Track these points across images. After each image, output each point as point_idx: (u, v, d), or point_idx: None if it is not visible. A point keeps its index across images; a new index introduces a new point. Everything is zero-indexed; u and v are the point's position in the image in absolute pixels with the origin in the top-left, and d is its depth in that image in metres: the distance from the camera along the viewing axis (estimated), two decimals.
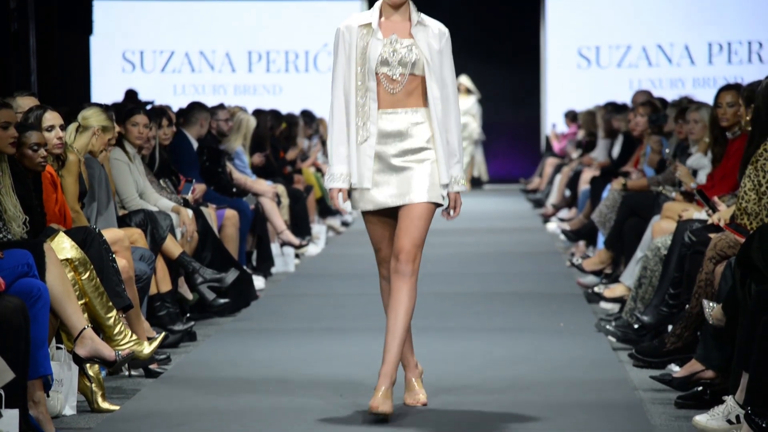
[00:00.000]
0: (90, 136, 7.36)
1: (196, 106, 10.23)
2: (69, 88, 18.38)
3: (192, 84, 20.04)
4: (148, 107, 10.13)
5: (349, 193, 5.58)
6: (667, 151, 9.75)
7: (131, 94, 15.91)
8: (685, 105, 9.63)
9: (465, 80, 19.98)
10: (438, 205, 5.58)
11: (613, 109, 13.45)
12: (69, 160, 6.94)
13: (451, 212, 5.60)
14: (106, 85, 19.23)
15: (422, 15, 5.56)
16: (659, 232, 7.89)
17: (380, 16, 5.54)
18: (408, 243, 5.50)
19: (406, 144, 5.52)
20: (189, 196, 8.83)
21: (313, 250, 11.96)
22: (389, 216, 5.57)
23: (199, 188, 9.20)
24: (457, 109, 5.58)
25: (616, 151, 12.81)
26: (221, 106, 11.03)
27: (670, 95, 14.27)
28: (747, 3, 19.71)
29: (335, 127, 5.54)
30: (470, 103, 19.99)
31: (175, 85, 19.93)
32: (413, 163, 5.52)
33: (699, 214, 7.35)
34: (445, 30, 5.58)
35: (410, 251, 5.50)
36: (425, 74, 5.51)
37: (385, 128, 5.51)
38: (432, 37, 5.53)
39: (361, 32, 5.51)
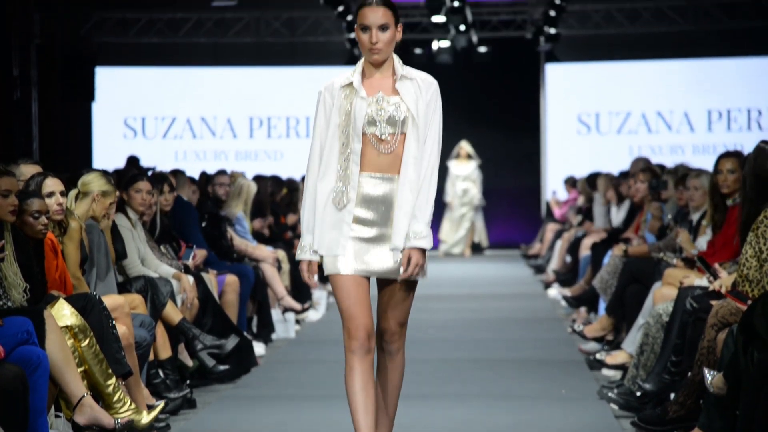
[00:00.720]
0: (90, 201, 7.38)
1: (177, 174, 10.19)
2: (71, 155, 18.46)
3: (193, 150, 20.12)
4: (150, 174, 10.15)
5: (320, 263, 5.21)
6: (668, 217, 9.76)
7: (133, 161, 15.95)
8: (683, 172, 9.65)
9: (466, 146, 20.05)
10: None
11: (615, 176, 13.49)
12: (71, 227, 6.95)
13: (401, 270, 5.08)
14: (108, 151, 19.30)
15: (407, 67, 5.19)
16: (661, 298, 7.87)
17: (362, 75, 5.18)
18: (394, 323, 5.18)
19: (387, 212, 5.14)
20: (190, 263, 8.82)
21: (313, 315, 11.94)
22: (362, 279, 5.16)
23: (200, 254, 9.19)
24: (432, 165, 5.12)
25: (615, 216, 12.82)
26: (222, 172, 11.07)
27: (670, 162, 14.31)
28: (746, 71, 19.85)
29: (308, 194, 5.17)
30: (471, 168, 20.05)
31: (176, 151, 20.01)
32: (389, 231, 5.14)
33: (700, 281, 7.34)
34: (433, 81, 5.18)
35: (396, 331, 5.19)
36: (407, 131, 5.12)
37: (369, 192, 5.13)
38: (419, 90, 5.14)
39: (343, 93, 5.16)
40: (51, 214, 6.65)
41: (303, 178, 15.30)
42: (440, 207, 19.67)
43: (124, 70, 19.97)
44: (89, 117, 19.46)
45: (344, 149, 5.11)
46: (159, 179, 9.09)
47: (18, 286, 6.06)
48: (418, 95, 5.11)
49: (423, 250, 5.12)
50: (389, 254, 5.10)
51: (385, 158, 5.11)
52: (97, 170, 7.58)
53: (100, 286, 7.31)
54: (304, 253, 5.17)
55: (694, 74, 19.95)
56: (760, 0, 18.58)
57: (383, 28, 5.08)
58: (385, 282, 5.16)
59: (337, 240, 5.10)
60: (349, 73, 5.18)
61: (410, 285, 5.16)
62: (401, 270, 5.08)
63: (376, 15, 5.08)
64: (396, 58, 5.18)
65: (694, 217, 8.76)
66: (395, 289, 5.15)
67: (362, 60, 5.19)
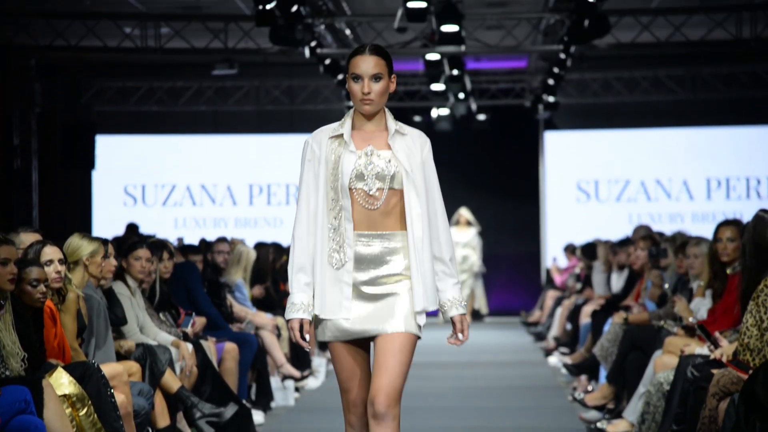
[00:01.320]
0: (83, 268, 7.37)
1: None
2: (71, 223, 18.47)
3: (193, 217, 20.15)
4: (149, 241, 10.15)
5: (313, 323, 4.96)
6: (666, 285, 9.75)
7: (132, 228, 15.98)
8: (682, 240, 9.67)
9: (465, 213, 20.08)
10: (418, 337, 4.93)
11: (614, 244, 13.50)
12: (68, 298, 6.94)
13: (460, 336, 4.91)
14: (108, 218, 19.33)
15: (400, 123, 4.97)
16: (661, 367, 7.84)
17: (352, 127, 4.94)
18: (387, 383, 4.81)
19: (381, 271, 4.89)
20: (189, 330, 8.79)
21: (313, 383, 11.87)
22: (361, 347, 4.93)
23: (199, 321, 9.17)
24: (447, 226, 4.97)
25: (615, 283, 12.81)
26: (222, 239, 11.07)
27: (670, 230, 14.33)
28: (745, 140, 19.95)
29: (296, 252, 4.90)
30: (471, 235, 20.06)
31: (176, 219, 20.04)
32: (386, 291, 4.90)
33: (701, 349, 7.31)
34: (426, 138, 4.99)
35: (390, 393, 4.80)
36: (404, 188, 4.88)
37: (362, 251, 4.88)
38: (412, 147, 4.92)
39: (332, 145, 4.90)
40: (50, 282, 6.65)
41: None
42: None
43: (124, 138, 20.07)
44: (89, 185, 19.52)
45: (334, 205, 4.88)
46: (158, 246, 9.09)
47: (16, 355, 6.04)
48: (412, 151, 4.91)
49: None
50: (388, 313, 4.87)
51: (373, 214, 4.87)
52: (77, 234, 7.54)
53: (99, 353, 7.28)
54: (295, 312, 4.88)
55: (692, 142, 20.05)
56: (757, 71, 18.73)
57: (376, 77, 4.87)
58: (382, 341, 4.87)
59: (339, 302, 4.87)
60: (338, 124, 4.95)
61: (408, 341, 4.87)
62: (459, 336, 4.91)
63: (368, 64, 4.86)
64: (388, 111, 4.97)
65: (694, 285, 8.75)
66: (391, 344, 4.85)
67: (352, 111, 4.97)
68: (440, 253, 4.93)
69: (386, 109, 4.95)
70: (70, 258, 7.33)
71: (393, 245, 4.89)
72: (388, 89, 4.90)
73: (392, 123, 4.93)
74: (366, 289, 4.88)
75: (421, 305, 4.88)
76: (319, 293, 4.88)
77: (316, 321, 4.92)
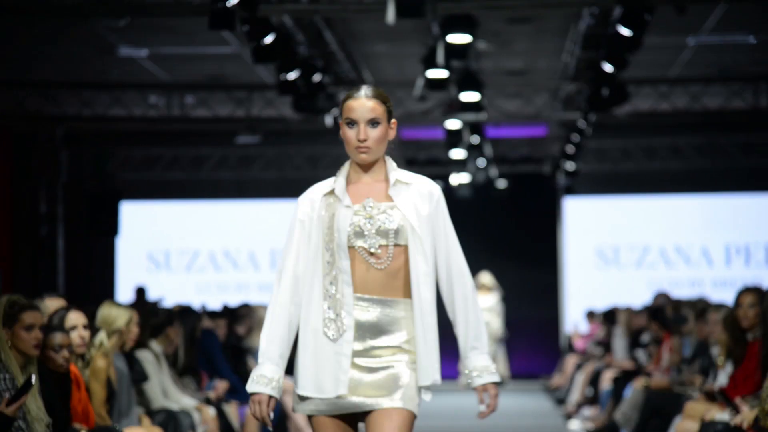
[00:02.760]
0: (119, 337, 7.47)
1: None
2: (95, 288, 18.63)
3: (216, 282, 20.26)
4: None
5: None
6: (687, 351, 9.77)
7: (141, 292, 16.17)
8: (702, 306, 9.71)
9: (486, 277, 20.07)
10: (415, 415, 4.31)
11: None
12: (98, 366, 7.02)
13: (482, 408, 4.37)
14: (132, 284, 19.45)
15: (403, 171, 4.42)
16: None
17: (347, 180, 4.40)
18: None
19: (379, 341, 4.31)
20: (212, 394, 8.86)
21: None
22: (348, 424, 4.33)
23: (221, 386, 9.24)
24: (472, 284, 4.41)
25: (636, 349, 12.81)
26: (244, 306, 11.17)
27: (689, 296, 14.35)
28: (764, 206, 19.99)
29: (275, 320, 4.34)
30: (493, 300, 20.01)
31: (198, 284, 20.15)
32: (383, 364, 4.30)
33: (722, 415, 7.32)
34: (435, 187, 4.41)
35: None
36: (409, 245, 4.31)
37: (358, 318, 4.30)
38: (418, 198, 4.36)
39: (326, 202, 4.36)
40: (74, 347, 6.72)
41: None
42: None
43: (149, 205, 20.26)
44: (113, 251, 19.69)
45: (329, 269, 4.30)
46: (187, 314, 9.20)
47: (41, 420, 6.09)
48: (417, 203, 4.34)
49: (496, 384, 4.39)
50: (384, 387, 4.26)
51: (376, 276, 4.29)
52: (109, 303, 7.66)
53: (123, 419, 7.35)
54: (264, 386, 4.28)
55: (712, 209, 20.10)
56: None
57: (373, 123, 4.33)
58: (377, 418, 4.27)
59: (336, 378, 4.24)
60: (332, 180, 4.41)
61: (406, 418, 4.27)
62: (482, 407, 4.37)
63: (364, 108, 4.33)
64: (389, 160, 4.43)
65: (714, 350, 8.77)
66: (388, 420, 4.25)
67: (347, 163, 4.44)
68: (468, 317, 4.39)
69: (387, 158, 4.43)
70: (107, 327, 7.43)
71: (394, 314, 4.31)
72: (387, 136, 4.37)
73: (393, 171, 4.38)
74: (360, 361, 4.28)
75: (429, 379, 4.29)
76: (312, 370, 4.27)
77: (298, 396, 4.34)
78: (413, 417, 4.29)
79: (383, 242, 4.29)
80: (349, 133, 4.35)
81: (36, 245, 17.07)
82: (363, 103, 4.35)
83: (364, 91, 4.38)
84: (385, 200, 4.34)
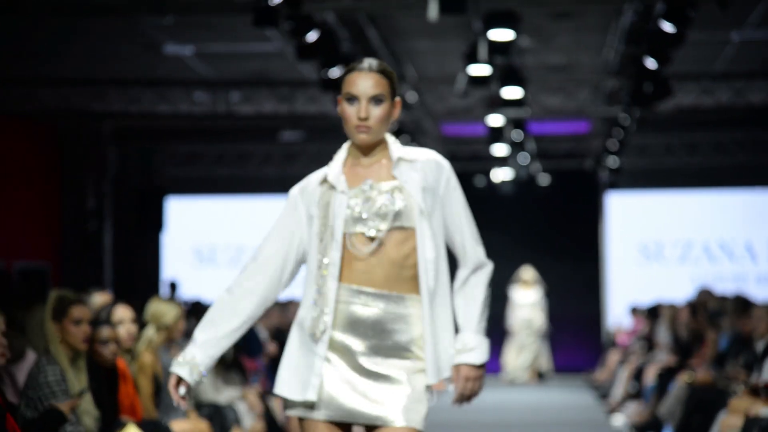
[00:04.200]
0: (166, 332, 7.57)
1: None
2: (141, 284, 18.82)
3: None
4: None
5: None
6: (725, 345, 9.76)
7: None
8: (743, 301, 9.70)
9: (530, 273, 19.98)
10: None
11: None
12: (145, 361, 7.11)
13: (450, 387, 3.91)
14: (178, 279, 19.63)
15: (405, 147, 3.98)
16: (727, 428, 7.86)
17: (344, 163, 3.96)
18: None
19: (383, 341, 3.86)
20: (257, 388, 8.95)
21: None
22: (342, 429, 3.91)
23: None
24: (487, 267, 3.94)
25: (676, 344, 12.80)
26: (293, 302, 11.26)
27: (733, 291, 14.31)
28: None
29: (223, 304, 4.03)
30: (537, 296, 19.92)
31: None
32: (388, 370, 3.84)
33: (766, 410, 7.32)
34: (443, 162, 3.95)
35: None
36: (416, 227, 3.84)
37: (357, 314, 3.84)
38: (425, 175, 3.90)
39: (321, 190, 3.93)
40: (121, 342, 6.82)
41: None
42: (501, 334, 19.64)
43: (194, 200, 20.42)
44: (159, 246, 19.87)
45: (321, 263, 3.87)
46: None
47: (90, 413, 6.19)
48: (425, 180, 3.88)
49: (475, 366, 3.87)
50: (386, 396, 3.83)
51: (378, 265, 3.83)
52: (157, 299, 7.77)
53: (170, 411, 7.45)
54: (181, 368, 3.97)
55: (755, 204, 19.98)
56: None
57: (376, 100, 3.88)
58: (374, 427, 3.85)
59: (306, 380, 3.85)
60: (327, 167, 4.00)
61: None
62: (451, 388, 3.89)
63: (367, 83, 3.88)
64: (392, 140, 3.97)
65: (758, 346, 8.76)
66: None
67: (345, 146, 4.00)
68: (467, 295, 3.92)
69: (389, 138, 3.97)
70: (156, 322, 7.53)
71: (400, 311, 3.86)
72: (391, 115, 3.93)
73: (396, 149, 3.93)
74: (364, 362, 3.84)
75: (434, 377, 3.85)
76: (294, 369, 3.90)
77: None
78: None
79: (383, 226, 3.82)
80: (348, 110, 3.90)
81: (83, 241, 17.27)
82: (366, 76, 3.89)
83: (368, 63, 3.91)
84: (386, 180, 3.89)
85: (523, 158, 19.18)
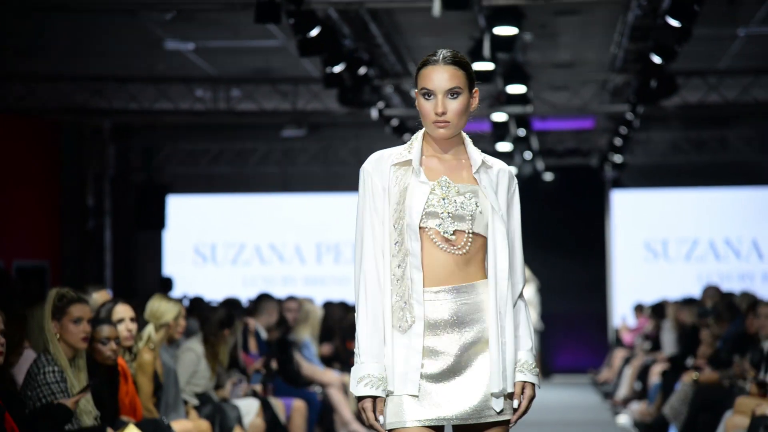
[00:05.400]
0: (166, 330, 7.51)
1: (264, 297, 10.42)
2: (142, 282, 18.74)
3: (261, 275, 20.31)
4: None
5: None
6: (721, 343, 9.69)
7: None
8: (751, 300, 9.62)
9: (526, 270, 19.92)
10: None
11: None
12: (144, 360, 7.05)
13: (515, 403, 3.82)
14: (178, 277, 19.55)
15: (485, 154, 3.93)
16: (733, 427, 7.79)
17: (422, 153, 3.88)
18: None
19: (464, 337, 3.80)
20: (258, 387, 8.88)
21: None
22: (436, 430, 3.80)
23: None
24: (523, 281, 3.91)
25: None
26: (291, 298, 11.19)
27: (740, 289, 14.23)
28: None
29: (369, 311, 3.79)
30: (530, 292, 19.92)
31: (244, 277, 20.22)
32: (477, 364, 3.80)
33: None
34: (513, 174, 3.94)
35: None
36: (488, 235, 3.82)
37: (434, 311, 3.78)
38: (500, 184, 3.87)
39: (395, 173, 3.85)
40: (121, 340, 6.75)
41: None
42: None
43: (195, 198, 20.35)
44: (160, 244, 19.81)
45: (398, 250, 3.78)
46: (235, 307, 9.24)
47: (89, 413, 6.13)
48: (500, 189, 3.86)
49: (534, 384, 3.85)
50: (475, 391, 3.77)
51: (447, 263, 3.79)
52: (158, 296, 7.71)
53: (170, 411, 7.38)
54: (367, 387, 3.76)
55: (761, 202, 19.90)
56: None
57: (453, 93, 3.80)
58: (465, 429, 3.81)
59: (405, 374, 3.75)
60: (405, 148, 3.89)
61: (505, 428, 3.83)
62: (515, 403, 3.81)
63: (442, 77, 3.79)
64: (467, 137, 3.91)
65: (765, 345, 8.69)
66: None
67: (420, 133, 3.91)
68: (518, 317, 3.90)
69: (465, 135, 3.90)
70: (156, 321, 7.47)
71: (474, 299, 3.81)
72: (469, 107, 3.84)
73: (476, 152, 3.87)
74: (448, 360, 3.78)
75: (497, 385, 3.76)
76: (390, 362, 3.78)
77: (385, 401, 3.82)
78: (507, 426, 3.83)
79: (459, 227, 3.77)
80: (425, 106, 3.81)
81: (83, 238, 17.21)
82: (441, 70, 3.80)
83: (442, 55, 3.81)
84: (464, 181, 3.82)
85: (528, 155, 19.10)
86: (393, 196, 3.81)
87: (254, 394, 8.73)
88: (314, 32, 10.69)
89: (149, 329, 7.34)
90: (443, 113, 3.78)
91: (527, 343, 3.84)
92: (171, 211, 18.88)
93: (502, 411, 3.77)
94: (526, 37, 13.32)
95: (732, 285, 18.51)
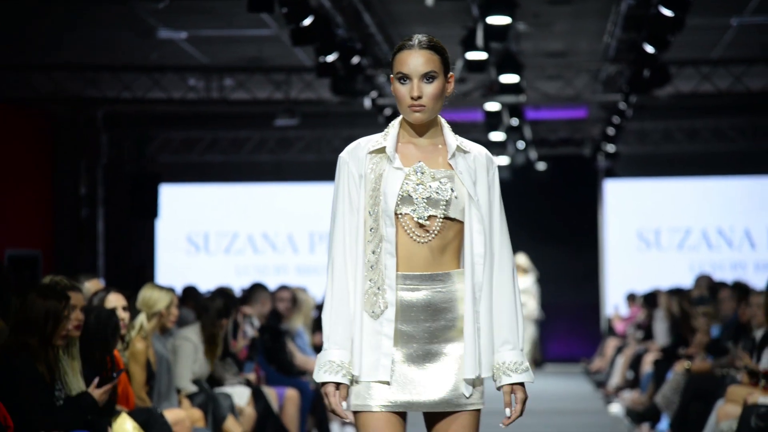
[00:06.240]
0: (158, 319, 7.51)
1: (257, 287, 10.42)
2: (135, 271, 18.72)
3: (254, 265, 20.31)
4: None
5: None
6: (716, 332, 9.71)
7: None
8: (744, 289, 9.65)
9: (522, 259, 19.99)
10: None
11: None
12: (137, 349, 7.04)
13: (507, 411, 3.85)
14: (171, 266, 19.54)
15: (460, 138, 3.93)
16: (724, 416, 7.81)
17: (398, 139, 3.89)
18: None
19: (436, 323, 3.80)
20: (251, 376, 8.88)
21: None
22: (399, 420, 3.81)
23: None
24: (512, 270, 3.86)
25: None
26: (283, 287, 11.20)
27: (732, 279, 14.25)
28: None
29: (334, 297, 3.81)
30: (528, 282, 19.94)
31: (237, 266, 20.22)
32: (445, 350, 3.81)
33: (765, 398, 7.28)
34: (493, 158, 3.94)
35: None
36: (465, 220, 3.81)
37: (405, 299, 3.78)
38: (478, 168, 3.86)
39: (372, 161, 3.86)
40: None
41: None
42: None
43: (188, 188, 20.33)
44: (153, 233, 19.79)
45: (373, 236, 3.79)
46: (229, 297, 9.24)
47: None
48: (478, 174, 3.86)
49: (524, 384, 3.85)
50: (445, 379, 3.79)
51: (421, 250, 3.78)
52: (150, 285, 7.70)
53: (162, 400, 7.38)
54: (330, 373, 3.77)
55: (754, 191, 19.92)
56: None
57: (429, 77, 3.81)
58: (435, 418, 3.83)
59: (376, 360, 3.76)
60: (381, 136, 3.90)
61: (476, 420, 3.85)
62: (507, 411, 3.85)
63: (418, 61, 3.80)
64: (444, 122, 3.92)
65: (757, 334, 8.71)
66: (455, 424, 3.82)
67: (398, 120, 3.92)
68: (500, 310, 3.84)
69: (442, 119, 3.91)
70: (148, 310, 7.47)
71: (449, 288, 3.81)
72: (445, 92, 3.86)
73: (452, 137, 3.88)
74: (420, 346, 3.79)
75: (472, 372, 3.76)
76: (358, 348, 3.78)
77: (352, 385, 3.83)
78: (478, 415, 3.86)
79: (433, 213, 3.78)
80: (401, 90, 3.83)
81: (76, 228, 17.18)
82: (417, 54, 3.82)
83: (418, 40, 3.83)
84: (439, 167, 3.84)
85: (520, 144, 19.10)
86: (369, 182, 3.82)
87: (247, 383, 8.73)
88: (307, 21, 10.67)
89: (141, 318, 7.34)
90: (419, 97, 3.80)
91: (513, 340, 3.81)
92: (164, 200, 18.85)
93: (472, 398, 3.79)
94: (519, 27, 13.31)
95: (724, 274, 18.54)
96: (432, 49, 3.82)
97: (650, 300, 14.86)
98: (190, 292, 11.04)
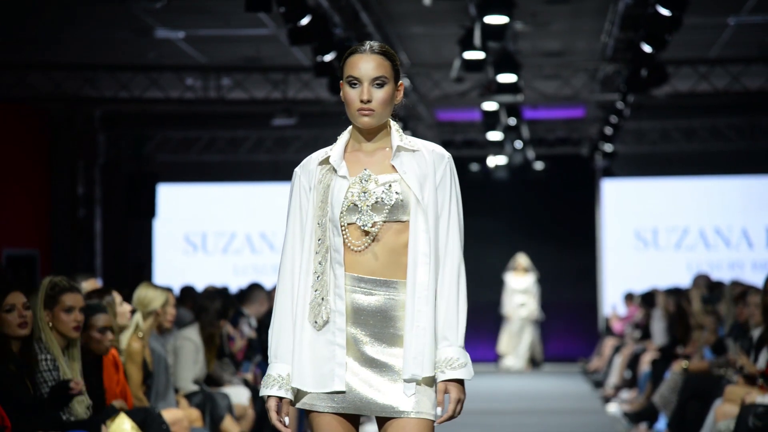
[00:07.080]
0: (154, 318, 7.50)
1: (255, 287, 10.42)
2: (132, 271, 18.73)
3: (252, 264, 20.31)
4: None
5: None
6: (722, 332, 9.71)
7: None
8: (741, 289, 9.64)
9: (523, 259, 20.00)
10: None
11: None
12: (133, 348, 7.04)
13: (438, 410, 3.76)
14: (169, 266, 19.54)
15: (410, 137, 3.89)
16: (722, 416, 7.81)
17: (346, 147, 3.91)
18: None
19: (386, 329, 3.77)
20: (249, 376, 8.88)
21: (370, 427, 11.91)
22: (350, 421, 3.82)
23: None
24: (457, 267, 3.79)
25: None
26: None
27: (729, 278, 14.26)
28: None
29: (277, 312, 3.83)
30: (529, 282, 19.95)
31: (235, 266, 20.22)
32: (391, 357, 3.77)
33: (762, 398, 7.28)
34: (445, 154, 3.86)
35: None
36: (411, 220, 3.77)
37: (359, 302, 3.77)
38: (426, 167, 3.82)
39: (320, 172, 3.86)
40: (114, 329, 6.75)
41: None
42: (498, 319, 19.63)
43: (186, 187, 20.33)
44: (150, 233, 19.79)
45: (320, 247, 3.79)
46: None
47: (82, 402, 6.13)
48: (425, 172, 3.81)
49: (462, 382, 3.76)
50: (392, 385, 3.75)
51: (371, 257, 3.76)
52: (146, 284, 7.70)
53: (160, 399, 7.38)
54: (268, 388, 3.77)
55: (752, 191, 19.93)
56: None
57: (378, 82, 3.81)
58: (386, 422, 3.78)
59: (330, 371, 3.74)
60: (330, 147, 3.93)
61: (424, 427, 3.74)
62: (439, 410, 3.76)
63: (369, 65, 3.81)
64: (395, 126, 3.90)
65: (754, 333, 8.71)
66: (403, 430, 3.74)
67: (348, 129, 3.94)
68: (440, 306, 3.78)
69: (393, 123, 3.90)
70: (143, 309, 7.47)
71: (400, 297, 3.77)
72: (394, 98, 3.86)
73: (397, 138, 3.85)
74: (367, 350, 3.76)
75: (411, 370, 3.72)
76: (297, 359, 3.77)
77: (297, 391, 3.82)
78: (431, 424, 3.75)
79: (377, 219, 3.76)
80: (350, 94, 3.83)
81: (74, 227, 17.18)
82: (368, 58, 3.82)
83: (369, 45, 3.84)
84: (385, 171, 3.81)
85: (518, 144, 19.10)
86: (318, 194, 3.82)
87: (245, 383, 8.73)
88: (305, 21, 10.67)
89: (137, 317, 7.35)
90: (368, 101, 3.80)
91: (452, 336, 3.75)
92: (161, 199, 18.85)
93: (420, 406, 3.72)
94: (516, 26, 13.31)
95: (722, 274, 18.55)
96: (383, 54, 3.83)
97: (648, 299, 14.87)
98: (188, 292, 11.04)
